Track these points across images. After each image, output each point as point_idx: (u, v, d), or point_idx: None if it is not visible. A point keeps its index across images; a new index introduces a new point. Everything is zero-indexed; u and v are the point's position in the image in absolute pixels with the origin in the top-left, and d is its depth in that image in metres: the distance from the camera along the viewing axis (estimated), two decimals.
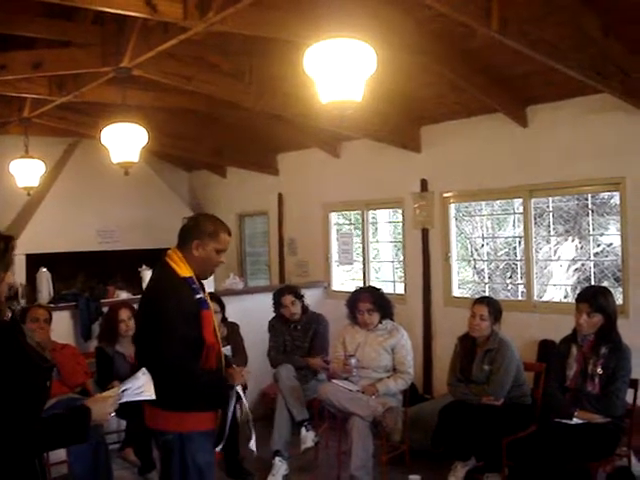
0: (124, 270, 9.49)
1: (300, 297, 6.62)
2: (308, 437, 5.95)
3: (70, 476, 5.38)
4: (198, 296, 3.56)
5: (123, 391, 2.79)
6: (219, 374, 3.71)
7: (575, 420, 4.71)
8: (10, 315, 2.74)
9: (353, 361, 5.77)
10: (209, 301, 3.71)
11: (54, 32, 6.00)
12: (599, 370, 4.76)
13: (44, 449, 2.54)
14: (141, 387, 2.83)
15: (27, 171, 8.32)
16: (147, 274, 7.34)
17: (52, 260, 8.64)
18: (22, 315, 5.59)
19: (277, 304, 6.61)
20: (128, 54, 5.74)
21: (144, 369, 2.91)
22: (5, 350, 2.36)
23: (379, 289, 6.26)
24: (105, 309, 6.68)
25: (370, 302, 5.91)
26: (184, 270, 3.61)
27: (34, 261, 8.71)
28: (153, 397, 2.87)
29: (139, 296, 7.23)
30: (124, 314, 6.16)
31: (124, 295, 7.54)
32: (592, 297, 4.90)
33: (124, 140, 6.31)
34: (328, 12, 3.95)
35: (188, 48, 6.09)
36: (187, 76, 6.61)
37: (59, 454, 5.43)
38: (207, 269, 3.73)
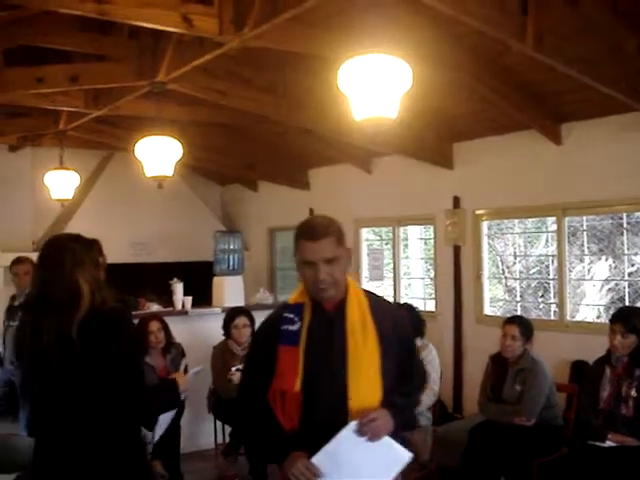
0: (156, 283, 9.54)
1: None
2: None
3: None
4: (284, 327, 2.83)
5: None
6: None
7: (608, 443, 4.63)
8: None
9: None
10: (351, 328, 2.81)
11: (91, 46, 6.09)
12: (633, 392, 4.67)
13: (156, 411, 3.07)
14: None
15: (62, 183, 8.42)
16: (178, 287, 7.36)
17: None
18: None
19: None
20: (163, 69, 5.79)
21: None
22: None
23: (415, 307, 6.19)
24: (136, 321, 6.70)
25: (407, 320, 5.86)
26: (295, 295, 2.96)
27: None
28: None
29: (170, 309, 7.33)
30: (154, 326, 6.18)
31: (155, 307, 7.56)
32: (626, 318, 4.83)
33: (158, 154, 6.35)
34: (363, 28, 3.96)
35: (222, 63, 6.14)
36: (221, 91, 6.66)
37: None
38: (309, 288, 2.83)
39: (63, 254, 2.90)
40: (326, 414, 2.72)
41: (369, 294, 2.94)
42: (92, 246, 3.04)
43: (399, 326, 2.98)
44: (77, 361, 2.75)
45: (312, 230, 2.82)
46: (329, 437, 2.67)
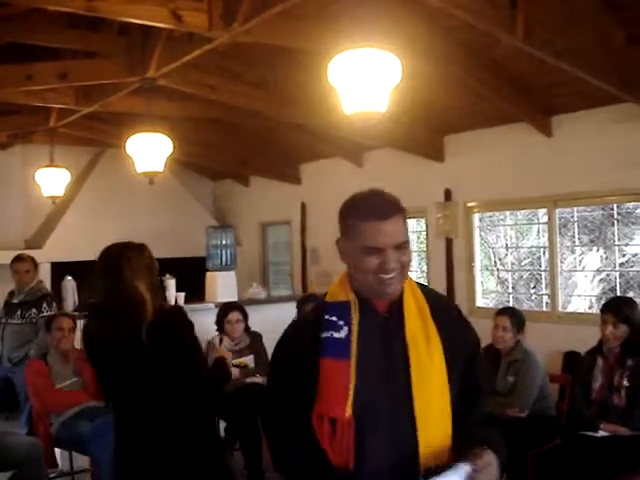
0: None
1: None
2: None
3: None
4: (326, 334, 2.16)
5: None
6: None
7: (601, 433, 4.64)
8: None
9: None
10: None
11: (80, 43, 6.08)
12: (625, 382, 4.69)
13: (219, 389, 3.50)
14: None
15: (52, 180, 8.40)
16: (171, 283, 7.35)
17: (77, 269, 8.68)
18: (47, 324, 5.63)
19: (300, 312, 6.61)
20: (153, 64, 5.79)
21: None
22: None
23: None
24: None
25: None
26: (335, 292, 2.26)
27: (59, 270, 8.77)
28: None
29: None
30: None
31: None
32: (617, 307, 4.85)
33: (149, 150, 6.35)
34: (353, 21, 3.96)
35: (212, 58, 6.14)
36: (211, 86, 6.66)
37: (83, 462, 5.46)
38: (364, 283, 2.15)
39: (121, 264, 3.16)
40: (387, 447, 2.12)
41: (423, 288, 2.31)
42: (143, 252, 3.33)
43: (461, 327, 2.34)
44: (147, 359, 3.04)
45: (380, 205, 2.14)
46: (390, 477, 2.11)
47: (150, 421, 3.09)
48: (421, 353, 2.14)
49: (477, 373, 2.33)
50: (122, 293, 3.09)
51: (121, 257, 3.18)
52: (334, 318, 2.17)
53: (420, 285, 2.29)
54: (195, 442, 3.13)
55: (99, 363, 3.28)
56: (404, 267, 2.12)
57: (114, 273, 3.14)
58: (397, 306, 2.18)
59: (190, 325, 3.26)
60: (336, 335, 2.15)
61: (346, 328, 2.15)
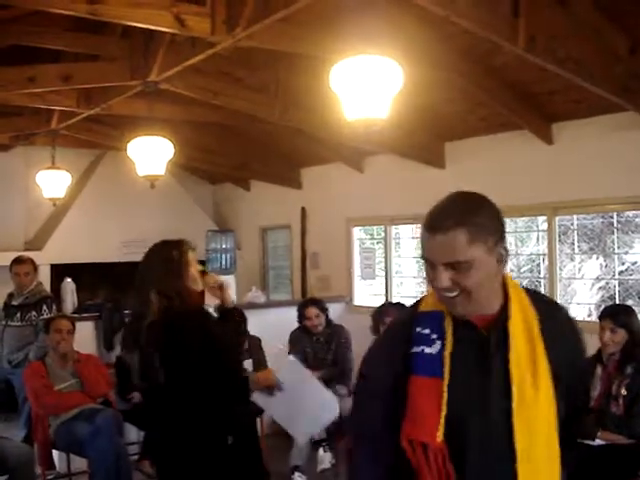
0: None
1: (324, 310, 6.62)
2: (325, 458, 5.92)
3: None
4: (418, 348, 1.92)
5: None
6: None
7: (598, 441, 4.65)
8: None
9: None
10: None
11: (83, 46, 6.09)
12: (623, 391, 4.70)
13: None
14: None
15: (53, 182, 8.41)
16: None
17: (76, 271, 8.71)
18: (46, 326, 5.63)
19: (301, 316, 6.62)
20: (156, 68, 5.79)
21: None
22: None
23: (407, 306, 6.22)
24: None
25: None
26: (431, 301, 2.01)
27: (59, 271, 8.78)
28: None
29: None
30: None
31: None
32: (614, 313, 4.88)
33: (150, 153, 6.36)
34: (355, 28, 3.97)
35: (214, 62, 6.15)
36: (213, 90, 6.68)
37: (80, 464, 5.46)
38: (440, 296, 1.92)
39: (143, 272, 3.32)
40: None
41: (536, 301, 1.97)
42: (169, 254, 3.38)
43: (574, 348, 2.04)
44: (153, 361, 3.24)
45: (437, 215, 1.90)
46: None
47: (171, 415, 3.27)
48: (526, 380, 1.84)
49: (585, 401, 2.14)
50: (137, 299, 3.30)
51: (146, 264, 3.33)
52: (427, 331, 1.92)
53: (531, 294, 2.00)
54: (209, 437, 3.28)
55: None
56: (465, 290, 1.83)
57: (139, 280, 3.31)
58: (500, 323, 1.89)
59: (199, 329, 3.29)
60: (428, 350, 1.89)
61: (439, 342, 1.89)
